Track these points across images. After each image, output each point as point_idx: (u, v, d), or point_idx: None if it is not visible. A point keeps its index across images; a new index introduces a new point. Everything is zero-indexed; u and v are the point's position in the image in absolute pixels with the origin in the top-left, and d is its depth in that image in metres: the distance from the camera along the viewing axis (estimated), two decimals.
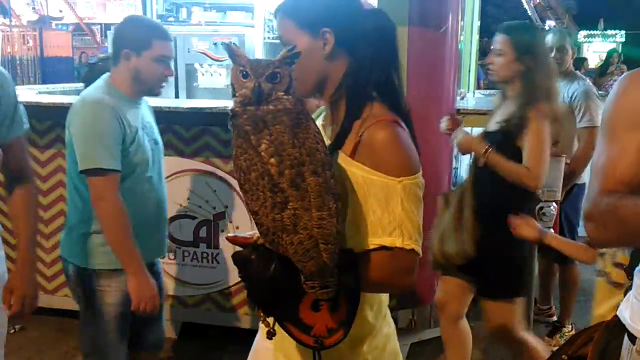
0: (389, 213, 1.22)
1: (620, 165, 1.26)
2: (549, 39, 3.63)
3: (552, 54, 3.53)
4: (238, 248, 1.26)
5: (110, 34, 5.32)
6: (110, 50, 2.42)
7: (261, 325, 1.45)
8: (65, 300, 3.51)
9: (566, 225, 3.41)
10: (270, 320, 1.24)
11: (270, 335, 1.25)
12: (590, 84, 3.52)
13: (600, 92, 3.81)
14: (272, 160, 1.11)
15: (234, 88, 1.18)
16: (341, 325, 1.22)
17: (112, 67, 2.24)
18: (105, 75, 2.25)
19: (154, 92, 2.30)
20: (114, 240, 2.13)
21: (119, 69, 2.21)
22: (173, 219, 3.30)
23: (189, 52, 4.96)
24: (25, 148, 2.02)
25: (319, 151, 1.15)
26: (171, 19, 6.58)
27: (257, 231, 1.19)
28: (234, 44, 1.21)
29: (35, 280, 1.98)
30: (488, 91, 8.26)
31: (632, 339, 1.31)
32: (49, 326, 3.54)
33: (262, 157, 1.11)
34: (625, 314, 1.35)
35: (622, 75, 1.33)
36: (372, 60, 1.31)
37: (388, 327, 1.45)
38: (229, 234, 1.22)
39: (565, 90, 3.45)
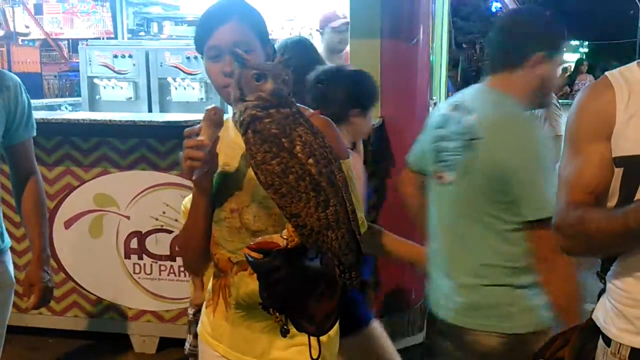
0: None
1: (585, 175, 1.30)
2: None
3: None
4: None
5: (81, 49, 5.28)
6: (496, 49, 1.83)
7: (203, 335, 1.51)
8: (37, 318, 3.46)
9: None
10: (283, 318, 1.27)
11: (285, 332, 1.28)
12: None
13: (568, 100, 3.92)
14: (311, 160, 1.13)
15: (243, 92, 1.18)
16: (335, 309, 1.28)
17: (504, 72, 1.77)
18: (485, 84, 1.82)
19: (544, 105, 2.02)
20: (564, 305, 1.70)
21: (520, 75, 1.75)
22: (149, 233, 3.29)
23: (161, 66, 4.93)
24: (33, 149, 2.07)
25: (331, 147, 1.20)
26: (142, 33, 6.56)
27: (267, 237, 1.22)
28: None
29: (51, 274, 2.08)
30: None
31: (607, 341, 1.34)
32: (22, 344, 3.47)
33: (300, 159, 1.13)
34: (599, 316, 1.38)
35: (584, 87, 1.38)
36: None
37: None
38: (250, 243, 1.21)
39: None
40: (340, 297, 1.28)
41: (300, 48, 2.75)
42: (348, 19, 3.38)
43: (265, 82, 1.16)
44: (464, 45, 30.98)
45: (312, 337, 1.30)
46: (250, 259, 1.20)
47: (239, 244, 1.33)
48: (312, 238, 1.16)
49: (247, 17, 1.39)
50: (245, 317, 1.41)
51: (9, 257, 2.03)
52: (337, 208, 1.15)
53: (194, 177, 1.31)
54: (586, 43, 25.89)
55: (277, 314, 1.25)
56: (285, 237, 1.19)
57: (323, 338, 1.33)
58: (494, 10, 28.04)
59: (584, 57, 21.91)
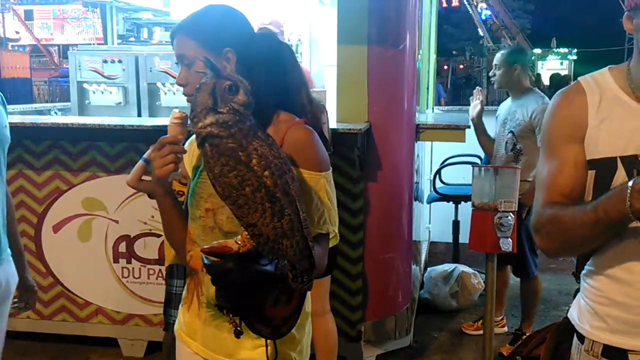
0: (320, 204, 1.38)
1: (560, 177, 1.34)
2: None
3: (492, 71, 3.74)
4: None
5: (70, 54, 5.31)
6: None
7: (179, 332, 1.55)
8: (25, 322, 3.46)
9: (527, 239, 3.50)
10: (237, 319, 1.31)
11: (238, 334, 1.31)
12: (549, 101, 3.57)
13: None
14: (266, 173, 1.17)
15: (216, 102, 1.19)
16: (293, 314, 1.33)
17: None
18: None
19: None
20: None
21: None
22: (137, 237, 3.31)
23: (151, 71, 4.97)
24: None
25: (286, 158, 1.23)
26: (132, 39, 6.60)
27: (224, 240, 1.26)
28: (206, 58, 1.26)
29: None
30: (447, 107, 8.49)
31: (581, 338, 1.38)
32: (9, 349, 3.45)
33: (256, 172, 1.16)
34: (574, 314, 1.42)
35: (557, 93, 1.42)
36: (268, 75, 1.44)
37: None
38: (204, 247, 1.25)
39: (525, 108, 3.51)
40: (299, 302, 1.33)
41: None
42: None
43: (237, 94, 1.19)
44: (453, 52, 31.19)
45: (268, 340, 1.35)
46: (205, 261, 1.24)
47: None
48: (268, 246, 1.20)
49: (192, 30, 1.43)
50: (215, 316, 1.44)
51: (10, 264, 2.05)
52: (292, 217, 1.20)
53: (165, 179, 1.38)
54: (575, 50, 26.10)
55: (231, 315, 1.29)
56: (238, 242, 1.23)
57: (284, 339, 1.37)
58: (483, 17, 28.28)
59: (572, 64, 22.07)
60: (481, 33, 26.13)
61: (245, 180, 1.16)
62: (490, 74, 3.78)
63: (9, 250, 2.04)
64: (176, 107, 1.51)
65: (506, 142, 3.60)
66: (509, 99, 3.74)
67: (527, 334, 3.62)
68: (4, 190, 2.00)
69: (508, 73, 3.61)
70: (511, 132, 3.57)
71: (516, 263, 3.55)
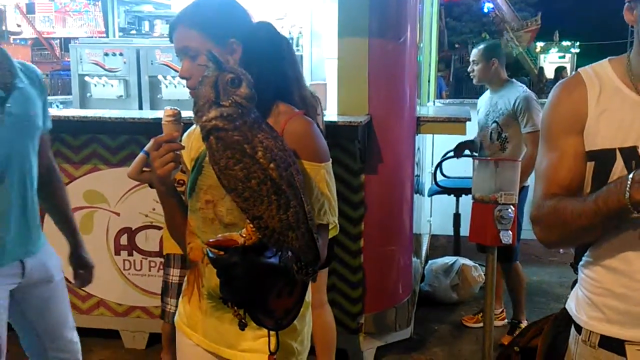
0: (320, 195, 1.38)
1: (560, 170, 1.35)
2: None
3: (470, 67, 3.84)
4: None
5: (72, 47, 5.31)
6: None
7: (179, 324, 1.56)
8: None
9: None
10: (242, 312, 1.32)
11: (243, 326, 1.33)
12: (529, 90, 3.68)
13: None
14: (272, 165, 1.17)
15: (219, 96, 1.18)
16: (295, 306, 1.34)
17: None
18: None
19: None
20: None
21: None
22: (139, 229, 3.32)
23: (152, 64, 4.97)
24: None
25: (290, 151, 1.23)
26: (133, 32, 6.59)
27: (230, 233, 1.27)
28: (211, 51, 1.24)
29: None
30: (448, 100, 8.49)
31: (578, 329, 1.39)
32: (11, 341, 3.48)
33: (262, 164, 1.16)
34: (571, 305, 1.43)
35: (557, 84, 1.42)
36: (268, 66, 1.43)
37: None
38: (209, 240, 1.25)
39: (506, 98, 3.61)
40: (301, 293, 1.34)
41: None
42: None
43: (240, 87, 1.19)
44: (456, 45, 31.13)
45: (271, 332, 1.36)
46: (210, 255, 1.24)
47: (212, 235, 1.36)
48: (274, 238, 1.21)
49: (193, 21, 1.39)
50: (215, 307, 1.45)
51: (46, 250, 2.07)
52: (297, 209, 1.20)
53: (167, 178, 1.38)
54: (577, 43, 26.03)
55: (236, 308, 1.30)
56: (243, 235, 1.24)
57: (287, 330, 1.38)
58: (486, 10, 28.21)
59: (575, 57, 22.03)
60: (508, 30, 25.86)
61: (251, 173, 1.16)
62: (469, 69, 3.90)
63: (43, 240, 2.06)
64: (168, 105, 1.49)
65: (491, 132, 3.71)
66: (487, 91, 3.85)
67: (522, 322, 3.64)
68: (35, 183, 1.98)
69: (486, 68, 3.73)
70: (495, 122, 3.68)
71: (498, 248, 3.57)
